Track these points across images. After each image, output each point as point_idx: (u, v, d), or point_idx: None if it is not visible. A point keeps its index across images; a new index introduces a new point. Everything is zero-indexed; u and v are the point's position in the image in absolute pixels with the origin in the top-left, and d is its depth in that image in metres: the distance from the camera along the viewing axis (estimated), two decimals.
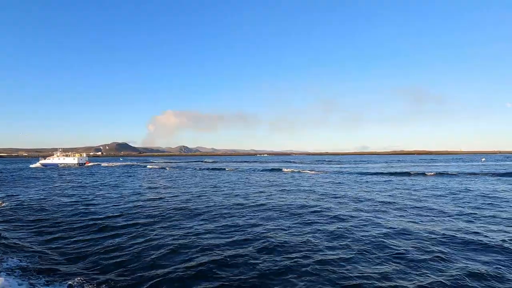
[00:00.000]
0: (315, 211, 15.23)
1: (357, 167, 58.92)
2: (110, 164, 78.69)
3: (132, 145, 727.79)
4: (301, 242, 9.95)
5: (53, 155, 72.80)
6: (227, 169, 54.12)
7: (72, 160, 70.57)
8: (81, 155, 74.08)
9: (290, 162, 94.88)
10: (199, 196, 21.01)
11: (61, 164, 69.40)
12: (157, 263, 8.09)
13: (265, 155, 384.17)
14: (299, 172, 45.74)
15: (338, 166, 64.28)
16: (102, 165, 74.22)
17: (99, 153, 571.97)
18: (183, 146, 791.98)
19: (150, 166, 63.26)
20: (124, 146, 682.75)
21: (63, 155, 71.78)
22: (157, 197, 20.34)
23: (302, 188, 25.51)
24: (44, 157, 75.96)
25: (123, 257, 8.68)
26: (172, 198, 20.10)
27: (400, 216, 13.98)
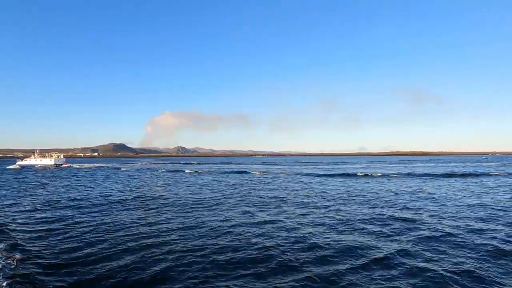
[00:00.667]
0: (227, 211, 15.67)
1: (331, 168, 59.11)
2: (84, 165, 78.73)
3: (130, 146, 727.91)
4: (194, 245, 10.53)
5: (31, 156, 73.09)
6: (202, 171, 54.36)
7: (49, 161, 70.68)
8: (58, 156, 74.23)
9: (272, 164, 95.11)
10: (151, 199, 21.29)
11: (37, 165, 69.56)
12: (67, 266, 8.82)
13: (260, 156, 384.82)
14: (265, 174, 46.02)
15: (313, 167, 64.51)
16: (74, 166, 74.40)
17: (96, 153, 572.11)
18: (181, 146, 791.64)
19: (124, 168, 63.35)
20: (121, 147, 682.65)
21: (40, 157, 71.97)
22: (107, 202, 20.12)
23: (251, 190, 25.88)
24: (22, 158, 76.15)
25: (44, 259, 9.33)
26: (117, 203, 19.91)
27: (294, 213, 14.64)
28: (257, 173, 48.67)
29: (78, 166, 73.87)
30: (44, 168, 67.11)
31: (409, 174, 41.55)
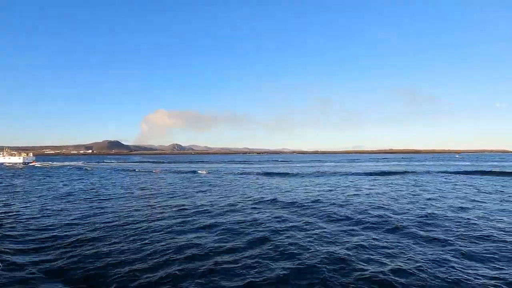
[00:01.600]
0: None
1: (292, 167, 59.49)
2: (53, 164, 78.26)
3: (125, 143, 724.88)
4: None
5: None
6: (159, 172, 54.50)
7: (18, 159, 70.43)
8: (27, 154, 74.02)
9: (246, 162, 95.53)
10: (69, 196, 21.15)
11: (5, 163, 69.22)
12: None
13: (255, 154, 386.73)
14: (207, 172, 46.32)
15: (284, 165, 64.89)
16: (34, 164, 72.96)
17: (90, 151, 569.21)
18: (176, 144, 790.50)
19: (87, 168, 63.28)
20: (115, 144, 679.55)
21: (9, 154, 71.68)
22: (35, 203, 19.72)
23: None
24: None
25: None
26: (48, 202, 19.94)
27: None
28: (205, 172, 48.69)
29: (47, 165, 73.50)
30: (12, 166, 66.84)
31: (344, 173, 42.39)
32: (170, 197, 21.82)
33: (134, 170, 55.45)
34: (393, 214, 15.41)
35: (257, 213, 16.01)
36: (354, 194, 22.32)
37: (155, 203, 19.31)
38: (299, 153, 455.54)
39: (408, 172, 42.62)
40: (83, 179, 38.33)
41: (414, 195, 21.84)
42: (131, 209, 17.43)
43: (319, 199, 19.85)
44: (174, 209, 17.23)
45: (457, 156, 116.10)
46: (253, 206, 17.97)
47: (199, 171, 49.77)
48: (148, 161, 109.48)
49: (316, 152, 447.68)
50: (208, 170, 51.95)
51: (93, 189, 27.27)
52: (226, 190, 26.16)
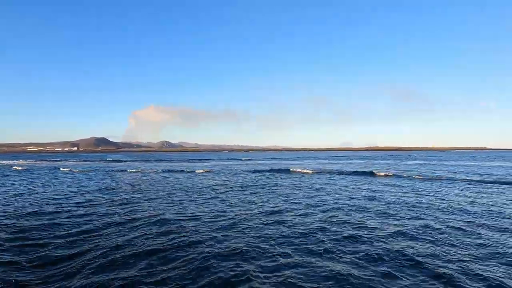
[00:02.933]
0: None
1: (240, 163, 56.19)
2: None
3: (112, 140, 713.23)
4: None
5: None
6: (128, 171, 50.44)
7: None
8: None
9: (207, 160, 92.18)
10: None
11: None
12: None
13: (243, 151, 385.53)
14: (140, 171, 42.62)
15: (237, 162, 61.53)
16: None
17: (75, 148, 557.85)
18: (165, 141, 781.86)
19: (15, 168, 58.61)
20: (102, 141, 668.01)
21: None
22: None
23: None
24: None
25: None
26: None
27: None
28: (132, 170, 45.15)
29: None
30: None
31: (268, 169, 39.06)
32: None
33: (72, 170, 51.10)
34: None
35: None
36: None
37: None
38: (288, 150, 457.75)
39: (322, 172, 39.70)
40: None
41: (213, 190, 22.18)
42: None
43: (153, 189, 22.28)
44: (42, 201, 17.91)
45: (414, 155, 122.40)
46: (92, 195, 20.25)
47: (128, 170, 46.48)
48: (113, 160, 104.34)
49: (304, 149, 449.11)
50: (155, 169, 48.13)
51: None
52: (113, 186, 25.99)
